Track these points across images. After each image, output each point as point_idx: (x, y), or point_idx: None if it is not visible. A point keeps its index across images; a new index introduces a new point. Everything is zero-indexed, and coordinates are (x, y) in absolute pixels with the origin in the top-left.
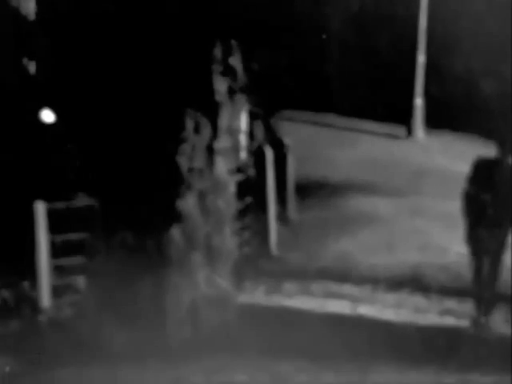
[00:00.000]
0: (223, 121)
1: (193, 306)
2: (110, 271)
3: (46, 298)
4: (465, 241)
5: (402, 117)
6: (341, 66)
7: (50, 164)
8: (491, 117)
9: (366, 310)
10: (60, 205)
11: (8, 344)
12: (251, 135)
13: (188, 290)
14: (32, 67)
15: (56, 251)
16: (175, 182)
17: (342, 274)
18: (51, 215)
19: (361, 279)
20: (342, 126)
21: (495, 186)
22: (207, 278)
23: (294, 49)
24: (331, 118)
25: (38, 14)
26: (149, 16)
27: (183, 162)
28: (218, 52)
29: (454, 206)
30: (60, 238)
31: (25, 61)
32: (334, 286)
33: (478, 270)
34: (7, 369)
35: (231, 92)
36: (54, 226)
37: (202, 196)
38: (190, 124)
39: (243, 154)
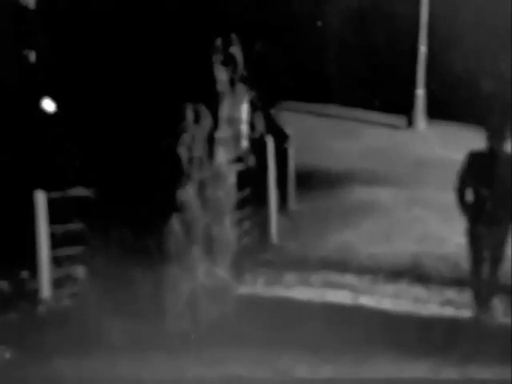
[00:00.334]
0: (224, 111)
1: (192, 298)
2: (110, 262)
3: (45, 289)
4: (465, 236)
5: (403, 107)
6: (341, 56)
7: (50, 154)
8: (485, 107)
9: (365, 301)
10: (59, 195)
11: (7, 335)
12: (252, 125)
13: (187, 281)
14: (32, 56)
15: (55, 242)
16: (175, 173)
17: (342, 265)
18: (51, 206)
19: (361, 269)
20: (342, 117)
21: (492, 180)
22: (207, 270)
23: (295, 39)
24: (332, 108)
25: (37, 3)
26: (149, 6)
27: (183, 152)
28: (218, 42)
29: (454, 197)
30: (59, 228)
31: (24, 50)
32: (334, 277)
33: (476, 265)
34: (7, 355)
35: (232, 82)
36: (54, 217)
37: (201, 186)
38: (190, 114)
39: (244, 144)
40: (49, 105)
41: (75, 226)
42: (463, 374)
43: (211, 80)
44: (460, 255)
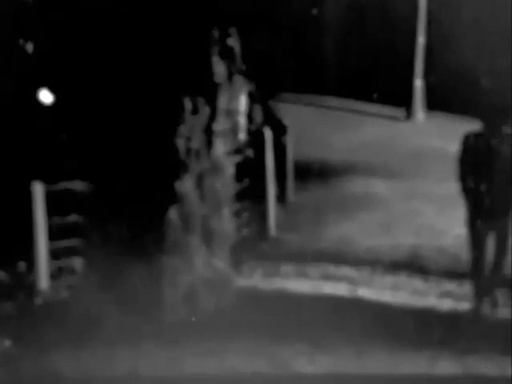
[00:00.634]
0: (222, 102)
1: (191, 289)
2: (107, 254)
3: (43, 281)
4: (465, 227)
5: (402, 99)
6: (340, 48)
7: (48, 146)
8: (483, 101)
9: (363, 293)
10: (57, 187)
11: (4, 326)
12: (250, 117)
13: (186, 272)
14: (29, 48)
15: (53, 233)
16: (173, 164)
17: (340, 256)
18: (48, 197)
19: (359, 261)
20: (341, 108)
21: (490, 173)
22: (205, 261)
23: (293, 31)
24: (330, 100)
25: None
26: None
27: (181, 143)
28: (216, 34)
29: (454, 188)
30: (57, 220)
31: (22, 41)
32: (332, 269)
33: (477, 257)
34: (7, 343)
35: (230, 74)
36: (51, 208)
37: (199, 178)
38: (188, 105)
39: (242, 136)
40: (46, 96)
41: (73, 218)
42: (462, 366)
43: (209, 72)
44: (459, 247)
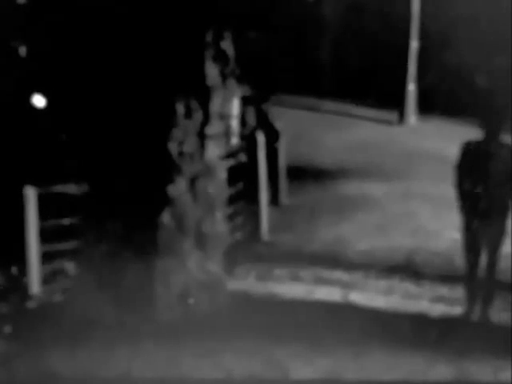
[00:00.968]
0: (215, 106)
1: (184, 291)
2: (102, 256)
3: (35, 284)
4: (460, 231)
5: (395, 102)
6: (334, 51)
7: (41, 149)
8: (479, 103)
9: (357, 297)
10: (50, 190)
11: None
12: (243, 121)
13: (179, 275)
14: (22, 51)
15: (46, 237)
16: (166, 167)
17: (334, 260)
18: (41, 200)
19: (352, 265)
20: (335, 112)
21: (487, 176)
22: (198, 264)
23: (287, 33)
24: (324, 103)
25: None
26: (141, 0)
27: (174, 147)
28: (209, 37)
29: (446, 191)
30: (50, 223)
31: (16, 44)
32: (325, 272)
33: (471, 261)
34: (1, 344)
35: (223, 77)
36: (44, 212)
37: (193, 181)
38: (180, 109)
39: (235, 140)
40: (39, 100)
41: (66, 221)
42: (457, 370)
43: (202, 75)
44: (453, 250)
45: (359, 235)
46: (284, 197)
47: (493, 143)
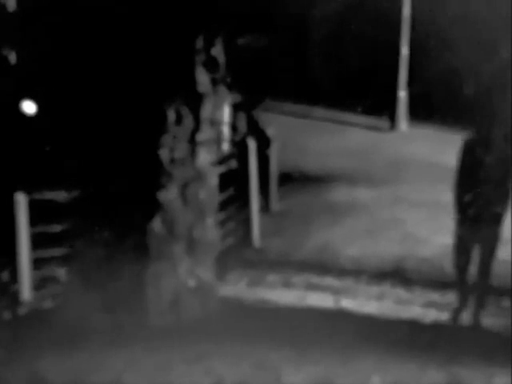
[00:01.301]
0: (206, 112)
1: (175, 297)
2: (92, 262)
3: (26, 291)
4: (452, 237)
5: (386, 109)
6: (325, 58)
7: (31, 156)
8: (472, 111)
9: (348, 303)
10: (40, 196)
11: None
12: (234, 127)
13: (170, 280)
14: (12, 58)
15: (37, 243)
16: (157, 174)
17: (324, 266)
18: (32, 207)
19: (343, 271)
20: (325, 118)
21: (478, 182)
22: (189, 270)
23: (278, 40)
24: (315, 110)
25: (18, 3)
26: (130, 6)
27: (165, 153)
28: (200, 43)
29: (436, 197)
30: (41, 229)
31: (5, 51)
32: (317, 278)
33: (461, 267)
34: None
35: (214, 83)
36: (35, 218)
37: (184, 187)
38: (171, 115)
39: (226, 146)
40: (29, 107)
41: (57, 227)
42: (447, 375)
43: (193, 81)
44: (443, 256)
45: (349, 241)
46: (275, 203)
47: (483, 149)
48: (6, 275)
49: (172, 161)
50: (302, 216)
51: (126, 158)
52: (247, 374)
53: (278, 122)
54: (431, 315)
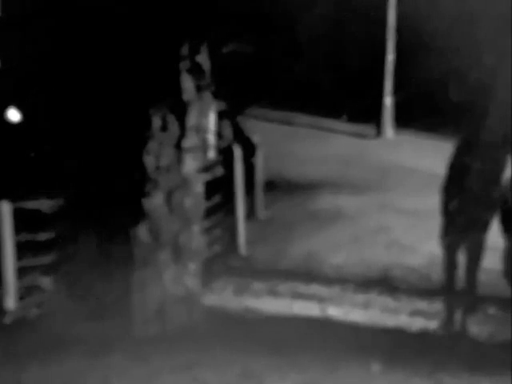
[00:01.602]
0: (191, 119)
1: (160, 305)
2: (77, 271)
3: (11, 299)
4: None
5: (372, 116)
6: (311, 65)
7: (15, 164)
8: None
9: (334, 311)
10: (26, 205)
11: None
12: (219, 134)
13: (155, 289)
14: None
15: (21, 251)
16: (142, 181)
17: (310, 274)
18: (17, 215)
19: (329, 279)
20: (311, 125)
21: (463, 192)
22: (175, 278)
23: (264, 46)
24: (301, 117)
25: (2, 10)
26: (116, 13)
27: (150, 160)
28: (185, 49)
29: (422, 204)
30: (25, 238)
31: None
32: (303, 286)
33: (449, 275)
34: None
35: (199, 90)
36: (20, 226)
37: (169, 195)
38: (157, 121)
39: (212, 153)
40: (14, 115)
41: (41, 236)
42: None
43: (178, 88)
44: (429, 264)
45: (335, 249)
46: (261, 210)
47: (470, 156)
48: None
49: (157, 168)
50: (287, 223)
51: (110, 165)
52: (233, 382)
53: (263, 129)
54: (418, 323)
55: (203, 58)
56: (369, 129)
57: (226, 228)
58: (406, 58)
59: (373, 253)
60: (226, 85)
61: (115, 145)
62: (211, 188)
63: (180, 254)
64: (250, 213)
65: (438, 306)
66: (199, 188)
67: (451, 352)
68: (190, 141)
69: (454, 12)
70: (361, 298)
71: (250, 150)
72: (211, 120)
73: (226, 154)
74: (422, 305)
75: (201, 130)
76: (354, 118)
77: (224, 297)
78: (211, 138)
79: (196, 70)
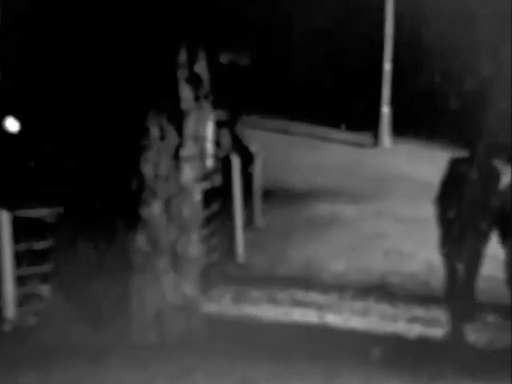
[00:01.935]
0: (189, 128)
1: (158, 313)
2: (75, 279)
3: (9, 308)
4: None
5: (370, 125)
6: (309, 74)
7: (14, 173)
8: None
9: (332, 318)
10: (23, 214)
11: None
12: (217, 143)
13: (154, 297)
14: None
15: (20, 260)
16: (140, 190)
17: (309, 281)
18: (15, 224)
19: (327, 286)
20: (309, 134)
21: (460, 200)
22: (173, 285)
23: (261, 55)
24: (299, 126)
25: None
26: (113, 20)
27: (148, 169)
28: (183, 58)
29: (419, 212)
30: (24, 246)
31: None
32: (301, 294)
33: (450, 282)
34: None
35: (197, 99)
36: (18, 235)
37: (167, 203)
38: (154, 131)
39: (210, 162)
40: (12, 124)
41: (40, 245)
42: None
43: (176, 97)
44: (427, 271)
45: (333, 256)
46: (259, 218)
47: (467, 165)
48: None
49: (156, 176)
50: (285, 231)
51: (109, 174)
52: None
53: (261, 138)
54: (416, 330)
55: (201, 68)
56: (366, 137)
57: (224, 236)
58: (404, 67)
59: (371, 260)
60: (224, 94)
61: (113, 154)
62: (209, 196)
63: (178, 262)
64: (248, 221)
65: (436, 312)
66: (197, 196)
67: (449, 359)
68: (188, 150)
69: (454, 22)
70: (359, 305)
71: (248, 159)
72: (209, 129)
73: (224, 163)
74: (420, 311)
75: (199, 138)
76: (351, 127)
77: (222, 304)
78: (209, 147)
79: (194, 80)
